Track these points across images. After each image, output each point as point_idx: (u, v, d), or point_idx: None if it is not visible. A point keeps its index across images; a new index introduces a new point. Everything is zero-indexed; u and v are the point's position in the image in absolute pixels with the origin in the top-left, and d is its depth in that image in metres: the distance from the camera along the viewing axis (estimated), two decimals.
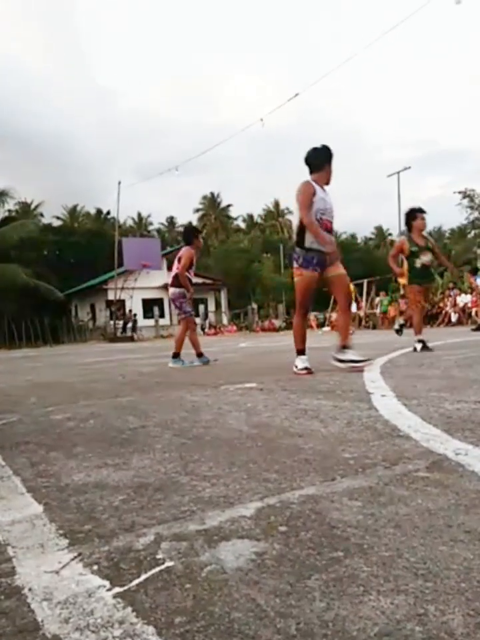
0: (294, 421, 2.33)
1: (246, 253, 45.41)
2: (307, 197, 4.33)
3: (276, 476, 1.53)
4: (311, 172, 4.50)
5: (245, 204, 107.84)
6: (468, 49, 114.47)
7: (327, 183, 4.54)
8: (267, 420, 2.39)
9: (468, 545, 1.01)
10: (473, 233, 45.77)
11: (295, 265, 4.45)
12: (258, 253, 45.70)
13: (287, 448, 1.85)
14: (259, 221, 63.05)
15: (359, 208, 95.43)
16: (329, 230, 4.42)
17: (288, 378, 4.10)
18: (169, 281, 6.36)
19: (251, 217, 62.09)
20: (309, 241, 4.33)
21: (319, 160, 4.51)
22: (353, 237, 64.89)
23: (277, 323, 32.28)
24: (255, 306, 38.90)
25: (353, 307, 13.53)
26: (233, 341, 16.45)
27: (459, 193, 41.95)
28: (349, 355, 4.39)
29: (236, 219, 62.67)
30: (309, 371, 4.31)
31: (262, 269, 42.63)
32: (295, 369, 4.39)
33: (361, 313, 22.97)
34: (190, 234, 6.34)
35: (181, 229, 49.15)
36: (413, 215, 6.35)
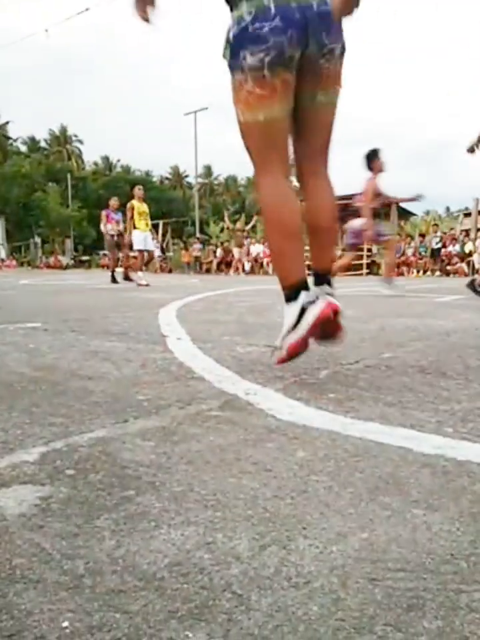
0: (83, 363, 2.29)
1: (27, 179, 42.08)
2: None
3: (63, 420, 1.50)
4: None
5: (26, 124, 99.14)
6: None
7: None
8: (53, 362, 2.31)
9: (255, 476, 1.12)
10: None
11: None
12: (41, 180, 42.68)
13: (75, 391, 1.82)
14: (44, 145, 58.74)
15: (156, 145, 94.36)
16: None
17: (76, 318, 3.99)
18: None
19: (33, 139, 57.46)
20: None
21: None
22: (148, 174, 64.26)
23: (64, 260, 30.99)
24: (38, 240, 36.69)
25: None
26: (13, 277, 15.39)
27: None
28: None
29: (15, 140, 57.47)
30: None
31: (46, 199, 40.03)
32: None
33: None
34: None
35: None
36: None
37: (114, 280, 10.88)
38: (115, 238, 11.22)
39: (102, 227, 11.39)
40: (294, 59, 1.72)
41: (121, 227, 11.23)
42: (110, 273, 11.15)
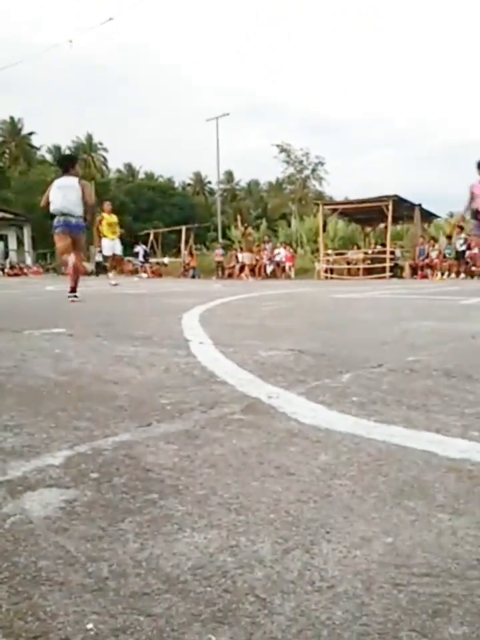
0: (108, 367, 2.31)
1: None
2: None
3: (87, 424, 1.51)
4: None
5: (51, 134, 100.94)
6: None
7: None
8: (78, 367, 2.34)
9: (277, 479, 1.12)
10: (288, 188, 48.62)
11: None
12: None
13: (99, 395, 1.83)
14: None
15: (178, 152, 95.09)
16: None
17: (101, 323, 4.03)
18: None
19: (57, 148, 58.24)
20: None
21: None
22: (170, 180, 64.60)
23: (89, 266, 31.35)
24: None
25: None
26: (39, 283, 15.60)
27: (277, 146, 43.93)
28: None
29: (39, 148, 58.40)
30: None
31: None
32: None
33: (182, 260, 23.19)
34: None
35: None
36: None
37: None
38: None
39: None
40: (68, 231, 6.70)
41: None
42: None
